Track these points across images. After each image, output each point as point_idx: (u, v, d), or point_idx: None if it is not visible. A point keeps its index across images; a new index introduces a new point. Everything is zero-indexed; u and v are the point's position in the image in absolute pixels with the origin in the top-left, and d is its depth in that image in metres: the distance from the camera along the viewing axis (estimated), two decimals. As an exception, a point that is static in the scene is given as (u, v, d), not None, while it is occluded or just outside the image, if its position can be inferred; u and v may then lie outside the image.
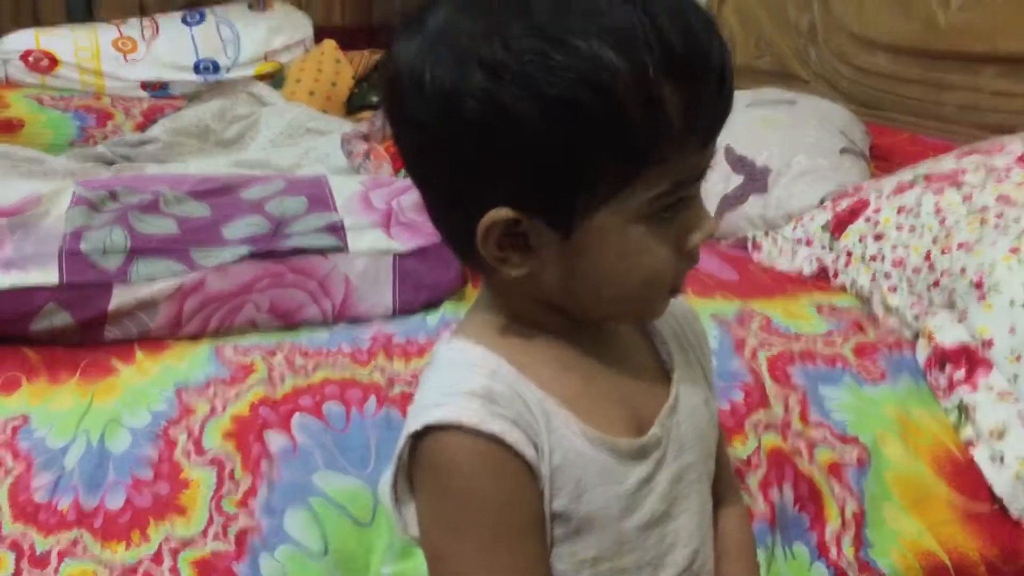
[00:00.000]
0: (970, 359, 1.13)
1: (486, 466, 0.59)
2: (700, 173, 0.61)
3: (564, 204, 0.59)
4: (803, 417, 1.11)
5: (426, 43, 0.59)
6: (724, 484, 0.80)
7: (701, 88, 0.57)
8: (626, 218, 0.59)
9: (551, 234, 0.60)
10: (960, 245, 1.25)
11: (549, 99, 0.55)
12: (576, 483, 0.62)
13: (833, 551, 1.01)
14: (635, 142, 0.57)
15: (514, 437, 0.59)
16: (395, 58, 0.61)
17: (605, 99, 0.55)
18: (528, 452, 0.60)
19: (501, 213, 0.59)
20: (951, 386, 1.13)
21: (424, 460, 0.61)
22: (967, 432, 1.09)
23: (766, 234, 1.65)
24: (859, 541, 1.02)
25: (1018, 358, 1.08)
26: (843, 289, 1.43)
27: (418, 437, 0.61)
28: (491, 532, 0.61)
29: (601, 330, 0.68)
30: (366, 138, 2.18)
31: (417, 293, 1.39)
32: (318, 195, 1.49)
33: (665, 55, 0.56)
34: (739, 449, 1.06)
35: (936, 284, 1.26)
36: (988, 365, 1.12)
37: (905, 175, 1.51)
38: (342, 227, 1.40)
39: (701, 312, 1.31)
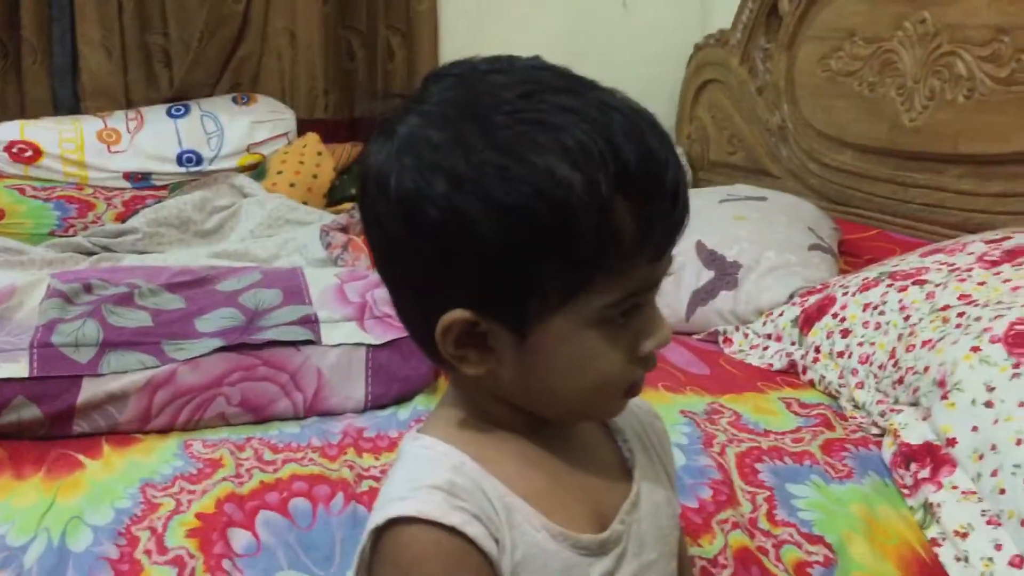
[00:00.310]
0: (934, 457, 1.14)
1: (447, 559, 0.60)
2: (653, 283, 0.64)
3: (518, 309, 0.61)
4: (770, 515, 1.11)
5: (394, 150, 0.62)
6: (683, 570, 0.80)
7: (653, 206, 0.60)
8: (579, 323, 0.62)
9: (508, 336, 0.63)
10: (924, 343, 1.27)
11: (504, 209, 0.58)
12: None
13: (800, 654, 1.00)
14: (585, 254, 0.59)
15: (475, 530, 0.61)
16: (366, 161, 0.64)
17: (558, 212, 0.58)
18: (489, 546, 0.61)
19: (458, 314, 0.62)
20: (916, 484, 1.13)
21: (386, 553, 0.62)
22: (933, 531, 1.09)
23: (737, 329, 1.67)
24: (826, 643, 1.01)
25: (980, 457, 1.09)
26: (812, 385, 1.44)
27: (381, 531, 0.62)
28: None
29: (563, 427, 0.69)
30: (345, 230, 2.20)
31: (389, 386, 1.40)
32: (293, 287, 1.50)
33: (619, 173, 0.59)
34: (706, 548, 1.05)
35: (900, 381, 1.27)
36: (952, 464, 1.12)
37: (871, 272, 1.54)
38: (316, 320, 1.41)
39: (671, 407, 1.33)
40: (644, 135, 0.60)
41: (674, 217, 0.62)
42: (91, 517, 1.06)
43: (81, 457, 1.20)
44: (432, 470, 0.64)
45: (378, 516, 0.62)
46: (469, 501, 0.62)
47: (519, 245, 0.59)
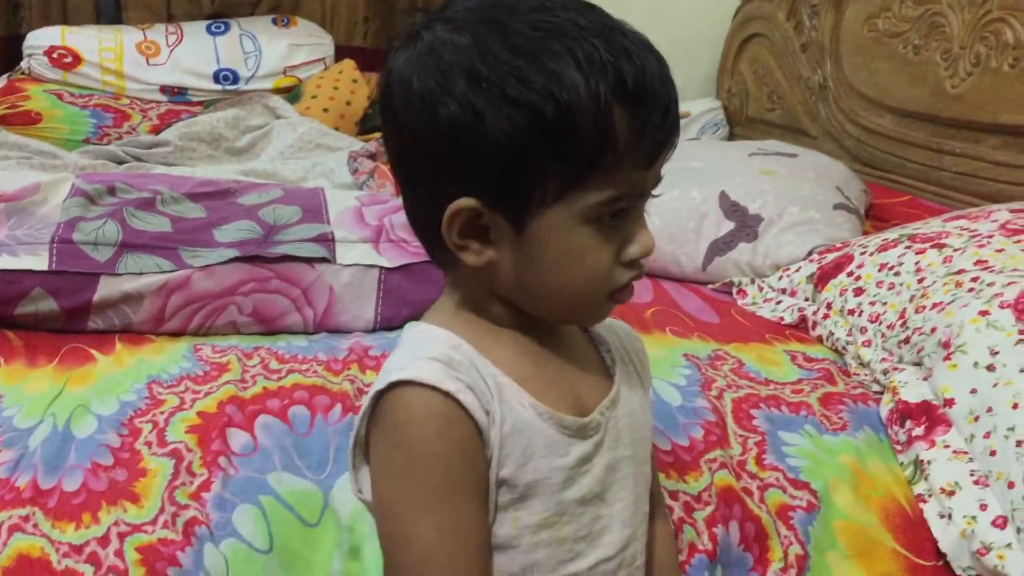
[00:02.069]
0: (930, 416, 1.14)
1: (438, 420, 0.66)
2: (641, 192, 0.70)
3: (520, 200, 0.67)
4: (759, 459, 1.11)
5: (417, 53, 0.68)
6: (655, 500, 0.85)
7: (645, 116, 0.67)
8: (573, 218, 0.68)
9: (508, 227, 0.68)
10: (935, 305, 1.26)
11: (517, 106, 0.64)
12: (523, 451, 0.69)
13: (772, 592, 1.02)
14: (585, 151, 0.66)
15: (467, 399, 0.67)
16: (390, 65, 0.70)
17: (564, 112, 0.65)
18: (479, 416, 0.67)
19: (465, 202, 0.67)
20: (909, 441, 1.13)
21: (384, 413, 0.68)
22: (920, 487, 1.10)
23: (752, 281, 1.66)
24: (799, 584, 1.03)
25: (976, 419, 1.09)
26: (820, 340, 1.44)
27: (382, 395, 0.68)
28: (436, 486, 0.67)
29: (552, 328, 0.75)
30: (373, 157, 2.21)
31: (399, 309, 1.41)
32: (313, 206, 1.52)
33: (618, 83, 0.66)
34: (691, 484, 1.07)
35: (907, 341, 1.27)
36: (947, 423, 1.12)
37: (891, 234, 1.53)
38: (332, 239, 1.42)
39: (675, 350, 1.34)
40: (642, 55, 0.67)
41: (664, 129, 0.68)
42: (97, 407, 1.09)
43: (93, 352, 1.24)
44: (431, 346, 0.69)
45: (380, 382, 0.68)
46: (464, 374, 0.67)
47: (527, 140, 0.65)
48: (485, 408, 0.67)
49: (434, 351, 0.68)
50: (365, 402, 0.69)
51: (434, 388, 0.66)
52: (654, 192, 0.71)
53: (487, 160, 0.66)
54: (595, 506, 0.73)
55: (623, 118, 0.66)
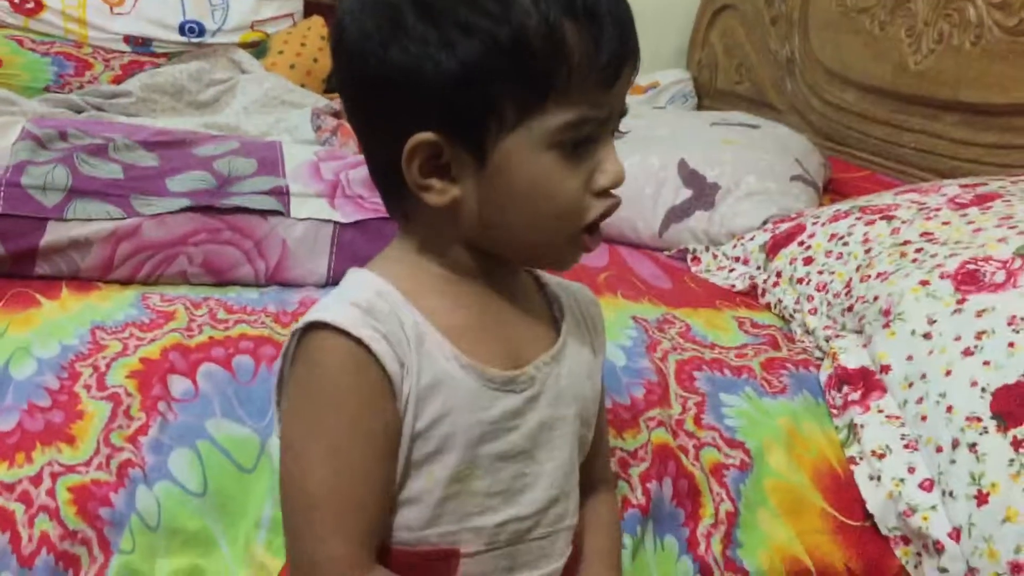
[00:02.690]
0: (867, 382, 1.16)
1: (348, 365, 0.66)
2: (607, 115, 0.68)
3: (479, 129, 0.66)
4: (697, 419, 1.13)
5: None
6: (601, 468, 0.85)
7: (600, 32, 0.65)
8: (535, 144, 0.66)
9: (470, 161, 0.67)
10: (879, 275, 1.28)
11: (468, 32, 0.64)
12: (442, 403, 0.68)
13: (702, 546, 1.03)
14: (539, 71, 0.64)
15: (380, 347, 0.66)
16: (341, 5, 0.70)
17: (514, 32, 0.63)
18: (391, 366, 0.66)
19: (423, 136, 0.66)
20: (845, 406, 1.16)
21: (299, 353, 0.68)
22: (852, 450, 1.12)
23: (707, 249, 1.68)
24: (728, 540, 1.04)
25: (910, 385, 1.11)
26: (768, 308, 1.45)
27: (301, 335, 0.68)
28: (338, 428, 0.66)
29: (506, 279, 0.74)
30: (336, 115, 2.20)
31: (353, 264, 1.39)
32: (269, 159, 1.50)
33: (568, 1, 0.64)
34: (628, 441, 1.08)
35: (850, 309, 1.28)
36: (882, 389, 1.14)
37: (843, 205, 1.55)
38: (287, 192, 1.41)
39: (624, 312, 1.35)
40: None
41: (620, 45, 0.66)
42: (38, 350, 1.09)
43: (39, 296, 1.23)
44: (356, 291, 0.69)
45: (300, 322, 0.68)
46: (382, 322, 0.66)
47: (481, 65, 0.64)
48: (400, 360, 0.66)
49: (357, 296, 0.67)
50: (286, 341, 0.69)
51: (347, 333, 0.65)
52: (620, 129, 0.70)
53: (442, 90, 0.64)
54: (520, 463, 0.72)
55: (575, 34, 0.64)
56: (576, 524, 0.78)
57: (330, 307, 0.67)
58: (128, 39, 2.46)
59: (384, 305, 0.67)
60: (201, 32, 2.51)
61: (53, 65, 2.33)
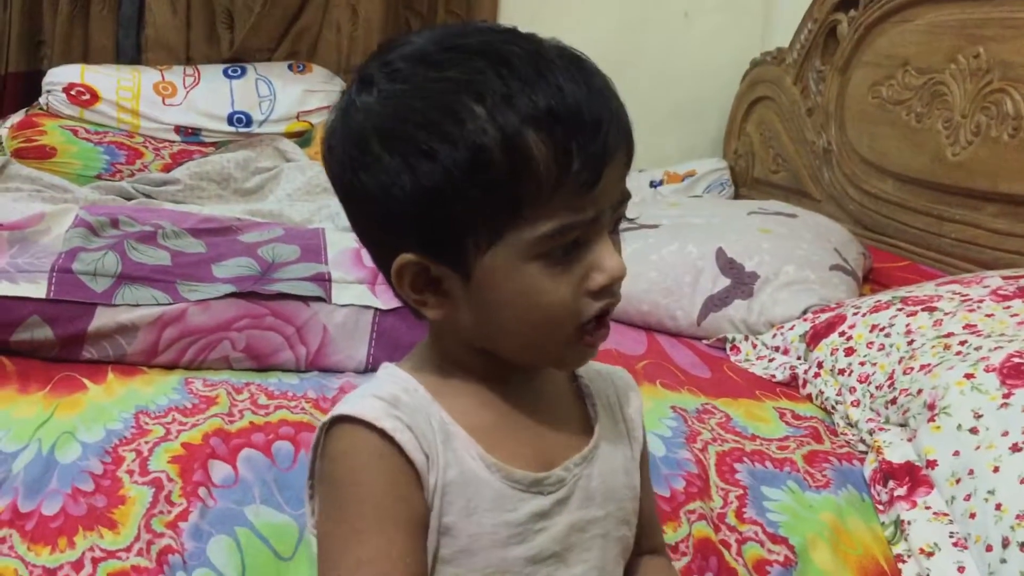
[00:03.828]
0: (912, 477, 1.14)
1: (368, 454, 0.66)
2: (591, 217, 0.65)
3: (456, 248, 0.65)
4: (739, 513, 1.11)
5: (338, 118, 0.68)
6: (658, 544, 0.83)
7: (569, 138, 0.63)
8: (517, 258, 0.65)
9: (456, 277, 0.67)
10: (922, 367, 1.26)
11: (429, 157, 0.63)
12: (467, 502, 0.67)
13: (745, 647, 1.01)
14: (503, 188, 0.63)
15: (403, 438, 0.65)
16: (325, 130, 0.71)
17: (473, 151, 0.63)
18: (416, 456, 0.66)
19: (406, 258, 0.66)
20: (891, 501, 1.13)
21: (325, 446, 0.68)
22: (899, 548, 1.09)
23: (746, 338, 1.67)
24: (773, 640, 1.02)
25: (958, 481, 1.09)
26: (810, 399, 1.44)
27: (327, 429, 0.68)
28: (361, 518, 0.66)
29: (531, 379, 0.73)
30: (378, 203, 2.24)
31: (392, 351, 1.42)
32: (312, 246, 1.54)
33: (530, 110, 0.62)
34: (669, 535, 1.06)
35: (894, 402, 1.27)
36: (929, 485, 1.12)
37: (884, 296, 1.54)
38: (328, 279, 1.44)
39: (663, 402, 1.34)
40: (563, 75, 0.64)
41: (597, 144, 0.64)
42: (83, 434, 1.10)
43: (85, 380, 1.25)
44: (383, 385, 0.69)
45: (327, 416, 0.69)
46: (407, 415, 0.66)
47: (443, 188, 0.63)
48: (425, 451, 0.66)
49: (383, 390, 0.68)
50: (315, 434, 0.69)
51: (371, 425, 0.65)
52: (628, 216, 0.68)
53: (414, 215, 0.65)
54: (551, 566, 0.70)
55: (540, 144, 0.62)
56: None
57: (356, 400, 0.67)
58: (178, 129, 2.54)
59: (409, 400, 0.67)
60: (248, 122, 2.58)
61: (105, 154, 2.41)
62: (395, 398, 0.67)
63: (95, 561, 0.95)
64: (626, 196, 0.68)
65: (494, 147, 0.62)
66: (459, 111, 0.63)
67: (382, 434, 0.65)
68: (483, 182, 0.63)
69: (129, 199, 2.17)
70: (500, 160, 0.62)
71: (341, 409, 0.67)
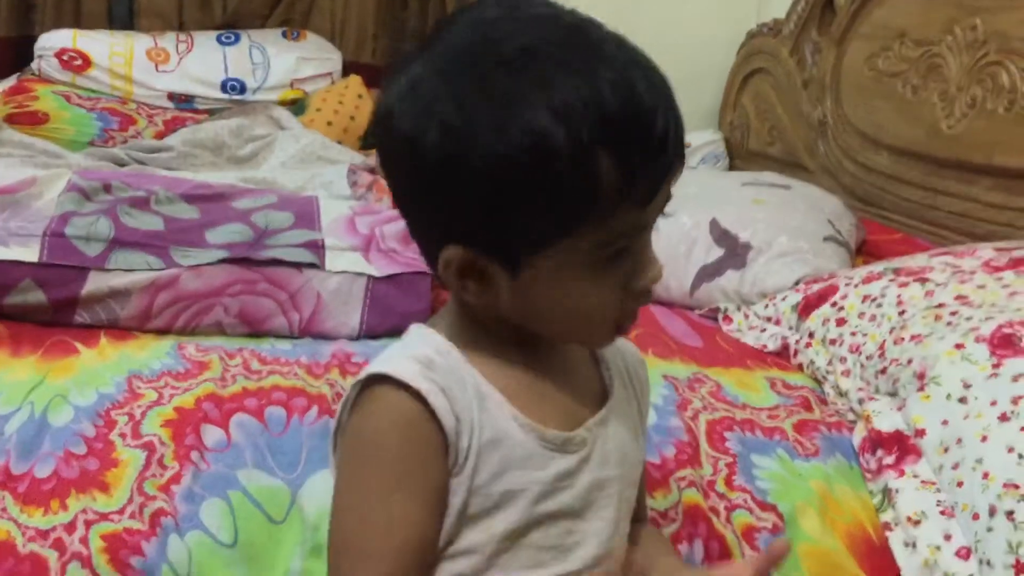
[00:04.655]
0: (901, 446, 1.15)
1: (398, 417, 0.67)
2: (642, 227, 0.67)
3: (507, 249, 0.66)
4: (728, 480, 1.12)
5: (400, 91, 0.67)
6: (642, 510, 0.86)
7: (638, 154, 0.63)
8: (566, 265, 0.66)
9: (502, 272, 0.67)
10: (913, 337, 1.27)
11: (490, 157, 0.62)
12: (500, 461, 0.69)
13: (732, 611, 1.02)
14: (567, 201, 0.63)
15: (438, 401, 0.67)
16: (379, 100, 0.70)
17: (540, 162, 0.62)
18: (447, 420, 0.67)
19: (455, 252, 0.67)
20: (879, 470, 1.14)
21: (357, 404, 0.69)
22: (887, 515, 1.10)
23: (738, 308, 1.67)
24: (759, 605, 1.03)
25: (946, 450, 1.10)
26: (800, 368, 1.44)
27: (362, 387, 0.69)
28: (378, 479, 0.67)
29: (553, 346, 0.74)
30: (372, 171, 2.23)
31: (385, 318, 1.42)
32: (305, 212, 1.53)
33: (602, 125, 0.62)
34: (659, 501, 1.07)
35: (884, 371, 1.27)
36: (917, 453, 1.13)
37: (877, 266, 1.54)
38: (322, 245, 1.44)
39: (655, 371, 1.34)
40: (633, 87, 0.63)
41: (660, 165, 0.65)
42: (75, 397, 1.11)
43: (78, 344, 1.25)
44: (418, 345, 0.70)
45: (362, 373, 0.69)
46: (442, 377, 0.67)
47: (503, 192, 0.63)
48: (457, 415, 0.67)
49: (418, 351, 0.69)
50: (348, 390, 0.70)
51: (406, 386, 0.66)
52: (665, 212, 0.69)
53: (468, 211, 0.65)
54: (570, 521, 0.72)
55: (609, 161, 0.62)
56: None
57: (391, 360, 0.68)
58: (172, 96, 2.52)
59: (444, 361, 0.69)
60: (242, 90, 2.57)
61: (98, 120, 2.40)
62: (429, 360, 0.68)
63: (88, 523, 0.96)
64: (670, 197, 0.69)
65: (562, 163, 0.62)
66: (529, 118, 0.62)
67: (416, 396, 0.66)
68: (545, 194, 0.63)
69: (122, 166, 2.16)
70: (567, 176, 0.62)
71: (377, 367, 0.68)
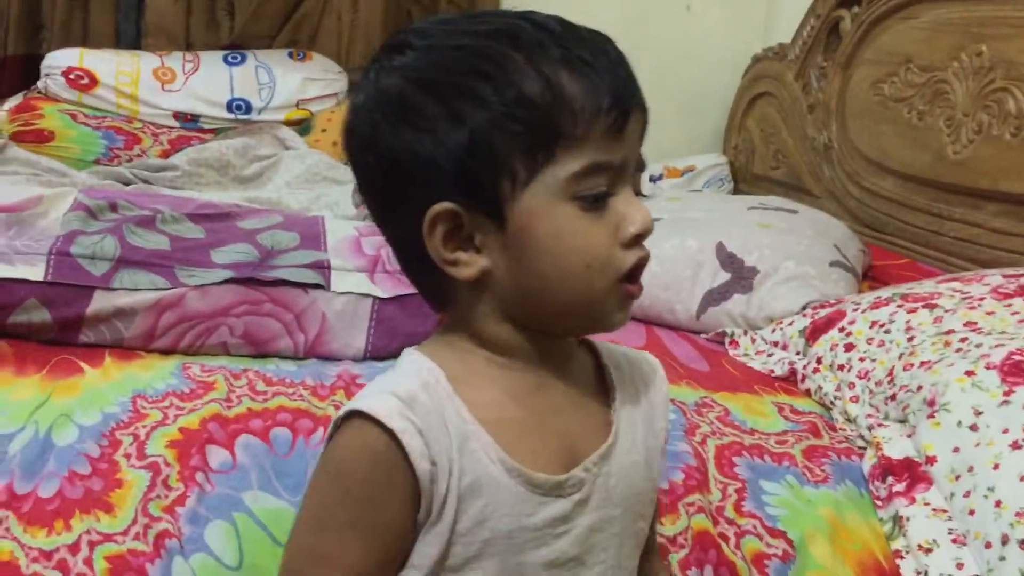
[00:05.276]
0: (912, 473, 1.14)
1: (365, 455, 0.65)
2: (620, 163, 0.67)
3: (493, 192, 0.65)
4: (737, 506, 1.11)
5: (366, 82, 0.69)
6: (652, 540, 0.82)
7: (599, 79, 0.66)
8: (552, 196, 0.65)
9: (490, 226, 0.66)
10: (922, 364, 1.26)
11: (472, 100, 0.65)
12: (483, 507, 0.65)
13: (743, 640, 1.01)
14: (542, 124, 0.65)
15: (412, 443, 0.64)
16: (350, 103, 0.71)
17: (515, 94, 0.64)
18: (421, 465, 0.64)
19: (441, 206, 0.65)
20: (890, 497, 1.13)
21: (332, 438, 0.67)
22: (898, 543, 1.09)
23: (745, 332, 1.67)
24: (770, 633, 1.02)
25: (957, 478, 1.09)
26: (808, 394, 1.44)
27: (343, 421, 0.67)
28: (336, 516, 0.65)
29: (561, 361, 0.71)
30: (377, 192, 2.23)
31: (391, 340, 1.42)
32: (311, 233, 1.53)
33: (563, 53, 0.66)
34: (668, 527, 1.06)
35: (893, 398, 1.27)
36: (928, 481, 1.12)
37: (884, 292, 1.54)
38: (328, 266, 1.43)
39: (662, 395, 1.33)
40: (580, 35, 0.68)
41: (621, 88, 0.67)
42: (80, 417, 1.10)
43: (83, 364, 1.24)
44: (403, 379, 0.67)
45: (343, 409, 0.67)
46: (421, 417, 0.65)
47: (487, 131, 0.64)
48: (433, 458, 0.64)
49: (401, 386, 0.66)
50: (330, 425, 0.68)
51: (381, 424, 0.64)
52: (645, 193, 0.69)
53: (454, 161, 0.65)
54: (569, 570, 0.69)
55: (574, 83, 0.65)
56: None
57: (371, 395, 0.66)
58: (177, 115, 2.52)
59: (427, 398, 0.66)
60: (248, 110, 2.57)
61: (104, 139, 2.40)
62: (412, 397, 0.65)
63: (92, 544, 0.95)
64: (642, 165, 0.70)
65: (534, 88, 0.65)
66: (499, 57, 0.65)
67: (390, 435, 0.64)
68: (524, 122, 0.64)
69: (127, 184, 2.16)
70: (540, 99, 0.65)
71: (356, 404, 0.66)
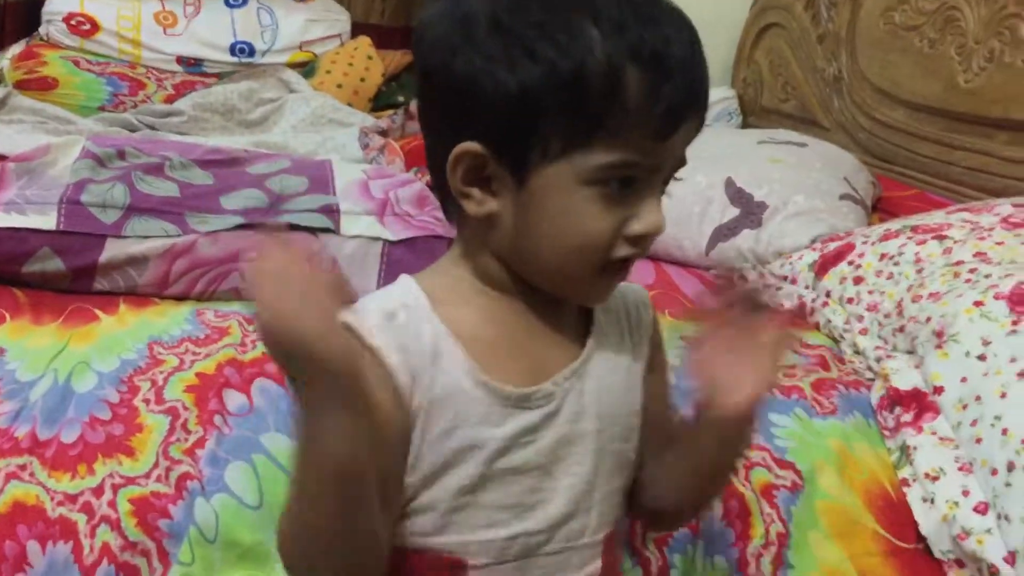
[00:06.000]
0: (919, 403, 1.15)
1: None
2: (656, 164, 0.67)
3: (522, 152, 0.67)
4: (747, 439, 1.12)
5: (444, 5, 0.69)
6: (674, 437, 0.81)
7: (661, 83, 0.65)
8: (574, 178, 0.66)
9: (509, 180, 0.68)
10: (931, 295, 1.27)
11: (533, 58, 0.64)
12: (453, 416, 0.69)
13: (752, 567, 1.03)
14: (589, 109, 0.65)
15: (392, 359, 0.67)
16: (423, 12, 0.72)
17: (575, 66, 0.64)
18: (400, 378, 0.67)
19: (468, 145, 0.67)
20: (897, 427, 1.14)
21: None
22: (905, 472, 1.11)
23: (754, 267, 1.67)
24: (779, 561, 1.04)
25: (964, 407, 1.10)
26: (817, 327, 1.44)
27: None
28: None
29: (540, 292, 0.73)
30: (384, 133, 2.23)
31: (401, 282, 1.43)
32: (320, 177, 1.53)
33: (636, 46, 0.65)
34: (678, 461, 1.08)
35: (901, 329, 1.27)
36: (935, 411, 1.13)
37: (894, 224, 1.53)
38: (337, 210, 1.44)
39: (672, 331, 1.34)
40: (670, 26, 0.66)
41: (680, 99, 0.66)
42: (98, 364, 1.11)
43: (98, 311, 1.26)
44: (387, 298, 0.71)
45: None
46: (399, 333, 0.68)
47: (535, 91, 0.64)
48: (412, 372, 0.68)
49: (386, 303, 0.69)
50: None
51: (363, 339, 0.66)
52: (676, 176, 0.70)
53: (495, 106, 0.65)
54: (534, 478, 0.72)
55: (635, 81, 0.64)
56: (602, 540, 0.77)
57: (361, 309, 0.68)
58: (180, 59, 2.51)
59: (406, 317, 0.69)
60: (251, 52, 2.56)
61: (108, 85, 2.39)
62: (393, 313, 0.69)
63: (115, 487, 0.97)
64: (683, 162, 0.70)
65: (595, 69, 0.64)
66: (574, 24, 0.64)
67: (370, 348, 0.67)
68: (574, 98, 0.64)
69: (133, 131, 2.16)
70: (596, 84, 0.64)
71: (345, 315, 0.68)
